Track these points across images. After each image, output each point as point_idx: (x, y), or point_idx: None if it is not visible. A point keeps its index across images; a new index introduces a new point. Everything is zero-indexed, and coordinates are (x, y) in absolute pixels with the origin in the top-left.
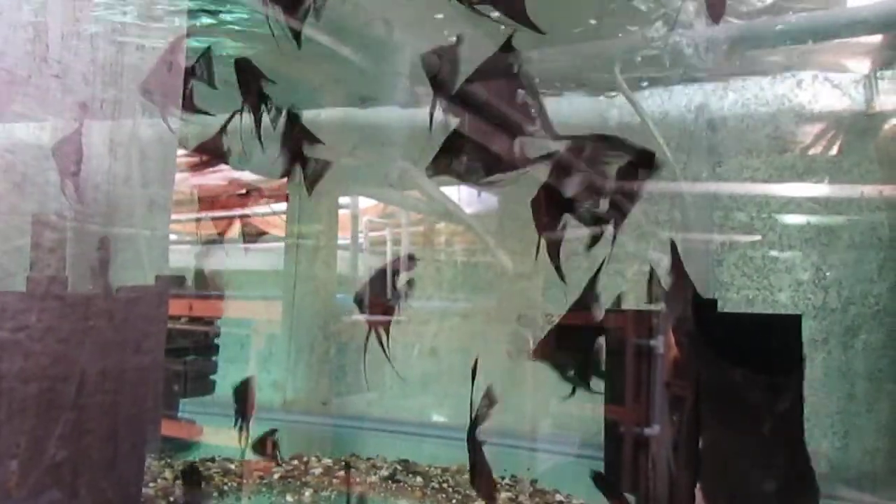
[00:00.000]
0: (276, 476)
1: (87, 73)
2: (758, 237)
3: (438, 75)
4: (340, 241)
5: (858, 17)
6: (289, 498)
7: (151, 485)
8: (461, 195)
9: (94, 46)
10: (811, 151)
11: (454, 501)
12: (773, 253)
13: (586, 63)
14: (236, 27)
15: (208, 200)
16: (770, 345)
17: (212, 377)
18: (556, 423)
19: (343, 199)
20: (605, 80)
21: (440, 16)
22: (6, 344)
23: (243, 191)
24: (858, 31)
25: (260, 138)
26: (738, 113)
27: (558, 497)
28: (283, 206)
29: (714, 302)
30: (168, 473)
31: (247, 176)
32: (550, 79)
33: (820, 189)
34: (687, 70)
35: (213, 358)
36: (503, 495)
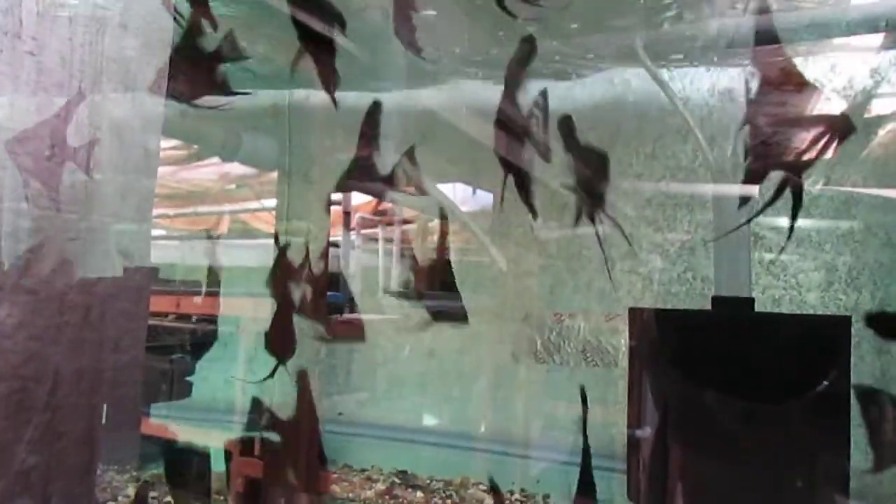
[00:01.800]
0: None
1: (64, 51)
2: (784, 234)
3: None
4: (332, 238)
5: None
6: None
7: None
8: (456, 193)
9: (73, 23)
10: (845, 141)
11: None
12: (802, 250)
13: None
14: None
15: None
16: (815, 350)
17: (188, 379)
18: (565, 430)
19: (335, 196)
20: (625, 62)
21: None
22: None
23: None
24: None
25: None
26: None
27: None
28: (272, 201)
29: (751, 301)
30: (131, 490)
31: (236, 169)
32: (565, 61)
33: (853, 182)
34: (711, 52)
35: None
36: None
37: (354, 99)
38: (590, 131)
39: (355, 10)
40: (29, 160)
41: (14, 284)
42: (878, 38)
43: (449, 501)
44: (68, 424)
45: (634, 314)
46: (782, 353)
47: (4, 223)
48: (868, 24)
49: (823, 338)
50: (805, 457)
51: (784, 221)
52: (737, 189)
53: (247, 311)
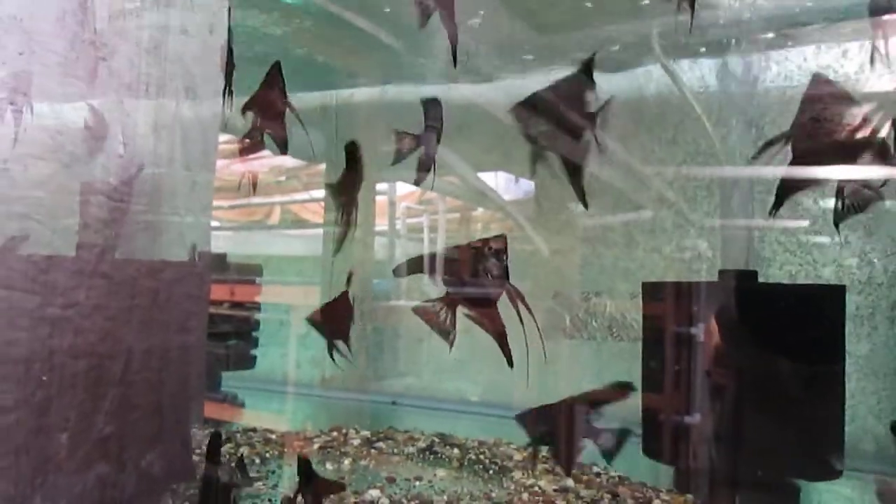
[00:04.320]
0: (315, 446)
1: (132, 55)
2: (801, 217)
3: None
4: (378, 228)
5: None
6: (328, 466)
7: (198, 451)
8: (497, 180)
9: (140, 28)
10: (859, 125)
11: (491, 472)
12: (817, 227)
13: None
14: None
15: None
16: (811, 316)
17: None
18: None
19: (380, 186)
20: (643, 52)
21: None
22: (57, 320)
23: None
24: None
25: None
26: (780, 85)
27: (595, 469)
28: (321, 192)
29: (754, 273)
30: None
31: (288, 162)
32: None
33: (867, 161)
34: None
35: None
36: (540, 467)
37: (396, 93)
38: (613, 119)
39: (396, 7)
40: (104, 156)
41: (92, 270)
42: None
43: (482, 456)
44: (140, 398)
45: (647, 287)
46: (781, 318)
47: (83, 214)
48: None
49: (818, 305)
50: (798, 416)
51: (800, 198)
52: (744, 171)
53: (298, 297)
